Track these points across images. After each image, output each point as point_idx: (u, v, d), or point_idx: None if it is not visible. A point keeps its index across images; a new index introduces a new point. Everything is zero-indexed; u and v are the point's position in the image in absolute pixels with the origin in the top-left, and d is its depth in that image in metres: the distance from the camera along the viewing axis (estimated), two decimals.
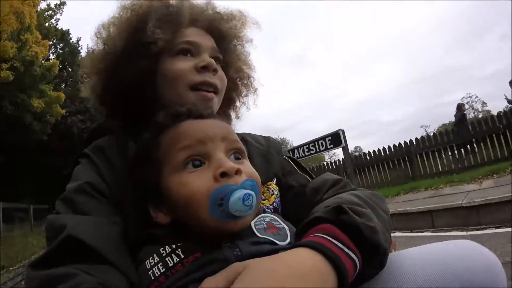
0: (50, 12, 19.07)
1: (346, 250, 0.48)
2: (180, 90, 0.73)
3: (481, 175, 6.16)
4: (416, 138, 8.72)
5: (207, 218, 0.51)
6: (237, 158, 0.60)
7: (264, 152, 0.83)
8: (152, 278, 0.51)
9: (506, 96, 9.09)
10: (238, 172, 0.54)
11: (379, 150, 9.53)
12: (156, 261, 0.51)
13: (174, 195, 0.54)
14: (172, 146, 0.57)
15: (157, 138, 0.60)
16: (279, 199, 0.76)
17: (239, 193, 0.50)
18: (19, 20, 12.21)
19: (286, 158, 0.85)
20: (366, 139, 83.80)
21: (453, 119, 9.52)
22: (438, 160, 8.28)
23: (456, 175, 7.08)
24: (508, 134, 7.17)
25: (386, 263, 0.53)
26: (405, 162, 8.64)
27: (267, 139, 0.91)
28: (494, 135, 7.41)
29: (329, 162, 12.53)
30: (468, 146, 7.92)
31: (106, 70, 0.76)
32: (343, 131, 6.15)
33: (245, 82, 0.92)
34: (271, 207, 0.72)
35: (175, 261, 0.50)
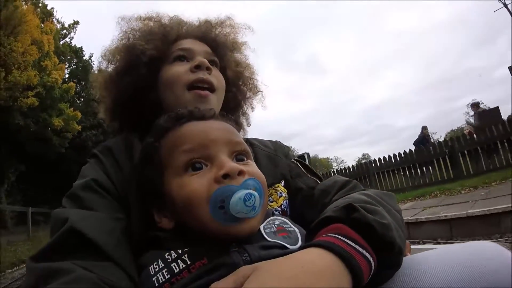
0: (64, 31, 20.80)
1: (360, 249, 0.45)
2: (178, 91, 0.76)
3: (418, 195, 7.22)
4: (374, 159, 9.87)
5: (209, 221, 0.50)
6: (241, 160, 0.58)
7: (271, 154, 0.83)
8: (156, 284, 0.49)
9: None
10: (241, 173, 0.52)
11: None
12: (160, 266, 0.50)
13: (174, 198, 0.54)
14: (173, 149, 0.57)
15: (159, 141, 0.60)
16: (287, 201, 0.76)
17: (240, 193, 0.49)
18: (39, 49, 13.93)
19: (294, 161, 0.85)
20: (378, 145, 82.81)
21: (461, 124, 10.35)
22: (392, 179, 9.26)
23: (403, 193, 8.09)
24: (447, 159, 8.30)
25: (401, 262, 0.50)
26: (365, 179, 9.79)
27: (275, 143, 0.91)
28: (440, 159, 8.52)
29: (337, 169, 12.54)
30: (424, 168, 8.85)
31: (115, 83, 0.82)
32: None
33: (248, 85, 0.94)
34: (279, 209, 0.72)
35: (181, 267, 0.49)
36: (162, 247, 0.54)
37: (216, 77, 0.81)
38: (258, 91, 0.96)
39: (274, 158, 0.83)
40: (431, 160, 8.61)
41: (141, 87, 0.79)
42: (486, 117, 8.31)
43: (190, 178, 0.53)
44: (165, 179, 0.57)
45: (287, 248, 0.53)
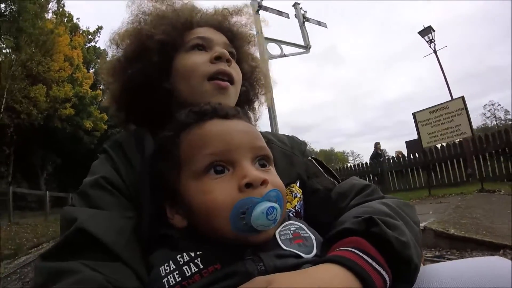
0: (90, 36, 23.04)
1: (376, 266, 0.45)
2: (196, 82, 0.73)
3: None
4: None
5: (227, 230, 0.49)
6: (263, 165, 0.57)
7: (288, 152, 0.80)
8: (167, 286, 0.48)
9: None
10: (264, 182, 0.51)
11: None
12: (172, 268, 0.49)
13: (194, 202, 0.52)
14: (195, 148, 0.55)
15: (179, 136, 0.58)
16: (302, 202, 0.74)
17: (263, 207, 0.48)
18: (70, 64, 16.35)
19: (311, 159, 0.82)
20: (398, 141, 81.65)
21: (479, 123, 11.59)
22: None
23: None
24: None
25: (416, 279, 0.50)
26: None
27: (291, 138, 0.88)
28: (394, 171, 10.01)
29: (353, 164, 13.00)
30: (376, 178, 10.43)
31: (124, 69, 0.77)
32: None
33: (261, 81, 0.92)
34: (293, 210, 0.70)
35: (193, 271, 0.48)
36: (173, 247, 0.53)
37: (235, 69, 0.78)
38: (270, 89, 0.93)
39: (290, 156, 0.79)
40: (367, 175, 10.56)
41: (151, 74, 0.75)
42: (413, 146, 10.17)
43: (211, 182, 0.52)
44: (182, 177, 0.55)
45: (302, 257, 0.51)
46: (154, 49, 0.75)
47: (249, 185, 0.50)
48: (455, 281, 0.50)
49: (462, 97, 6.81)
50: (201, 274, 0.48)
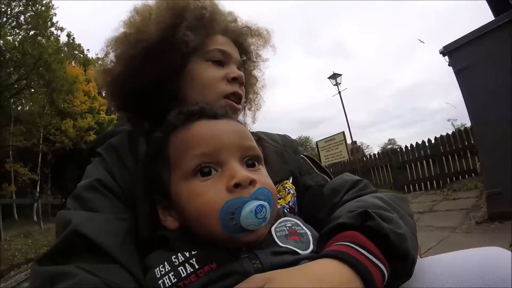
0: (100, 62, 26.71)
1: (374, 259, 0.45)
2: (212, 97, 0.73)
3: None
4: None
5: (218, 231, 0.48)
6: (252, 165, 0.56)
7: (280, 150, 0.81)
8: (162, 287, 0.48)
9: None
10: (252, 182, 0.51)
11: None
12: (167, 269, 0.49)
13: (184, 204, 0.52)
14: (183, 150, 0.55)
15: (169, 138, 0.58)
16: (295, 198, 0.74)
17: (251, 206, 0.48)
18: (88, 96, 20.31)
19: (304, 156, 0.83)
20: (411, 128, 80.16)
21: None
22: None
23: None
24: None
25: (413, 272, 0.50)
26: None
27: (283, 137, 0.89)
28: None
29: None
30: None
31: (136, 57, 0.72)
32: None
33: (254, 99, 0.93)
34: (287, 206, 0.71)
35: (189, 272, 0.48)
36: (168, 247, 0.52)
37: (243, 91, 0.79)
38: (260, 108, 0.94)
39: (283, 153, 0.81)
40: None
41: (164, 72, 0.72)
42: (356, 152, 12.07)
43: (200, 184, 0.51)
44: (173, 179, 0.55)
45: (298, 253, 0.51)
46: (179, 52, 0.72)
47: (237, 185, 0.49)
48: (454, 271, 0.49)
49: (343, 132, 10.00)
50: (197, 274, 0.47)
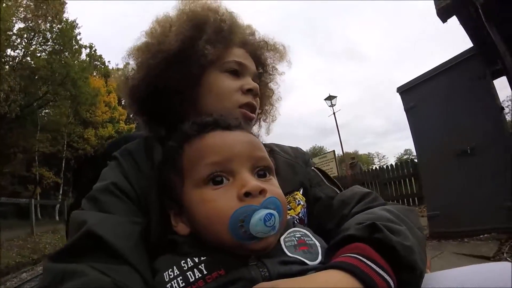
0: (120, 72, 28.42)
1: (381, 272, 0.45)
2: (228, 106, 0.74)
3: None
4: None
5: (227, 238, 0.49)
6: (263, 175, 0.58)
7: (291, 162, 0.82)
8: None
9: None
10: (262, 192, 0.52)
11: None
12: (176, 274, 0.50)
13: (195, 211, 0.53)
14: (196, 159, 0.56)
15: (182, 147, 0.60)
16: (305, 209, 0.75)
17: (260, 214, 0.49)
18: (108, 107, 21.79)
19: (314, 169, 0.85)
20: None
21: None
22: None
23: None
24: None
25: (421, 285, 0.50)
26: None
27: (295, 149, 0.91)
28: None
29: (379, 166, 12.30)
30: None
31: (156, 66, 0.74)
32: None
33: (269, 111, 0.95)
34: (297, 217, 0.71)
35: (197, 277, 0.48)
36: (178, 252, 0.53)
37: (257, 102, 0.81)
38: (275, 120, 0.96)
39: (294, 165, 0.82)
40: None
41: (182, 83, 0.74)
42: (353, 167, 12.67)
43: (211, 192, 0.53)
44: (185, 187, 0.56)
45: (306, 264, 0.52)
46: (192, 58, 0.74)
47: (248, 194, 0.50)
48: (463, 284, 0.49)
49: (333, 151, 10.80)
50: (205, 280, 0.48)
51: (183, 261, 0.51)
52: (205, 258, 0.51)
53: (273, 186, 0.57)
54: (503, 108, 4.10)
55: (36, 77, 15.01)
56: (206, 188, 0.54)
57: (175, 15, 0.79)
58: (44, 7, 12.57)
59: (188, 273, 0.49)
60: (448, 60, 4.36)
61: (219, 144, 0.57)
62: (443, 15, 4.06)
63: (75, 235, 0.50)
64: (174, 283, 0.49)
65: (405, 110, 4.80)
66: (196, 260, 0.51)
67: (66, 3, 15.41)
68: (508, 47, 3.65)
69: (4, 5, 11.69)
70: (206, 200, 0.53)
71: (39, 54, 15.26)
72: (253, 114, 0.79)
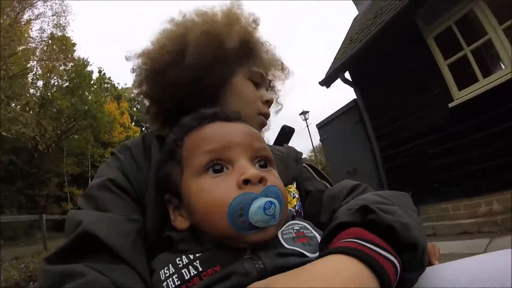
0: (129, 90, 31.06)
1: (383, 252, 0.41)
2: (251, 112, 0.76)
3: None
4: None
5: (226, 228, 0.47)
6: (263, 166, 0.56)
7: (283, 158, 0.83)
8: None
9: None
10: (262, 180, 0.50)
11: None
12: (171, 272, 0.48)
13: (193, 200, 0.52)
14: (195, 148, 0.55)
15: (182, 139, 0.59)
16: (300, 202, 0.74)
17: (260, 202, 0.47)
18: (123, 127, 24.48)
19: (305, 165, 0.85)
20: None
21: None
22: None
23: None
24: None
25: (426, 263, 0.47)
26: None
27: (288, 147, 0.92)
28: None
29: None
30: None
31: (188, 66, 0.71)
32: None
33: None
34: (294, 210, 0.70)
35: (192, 274, 0.47)
36: (174, 250, 0.52)
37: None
38: (268, 130, 0.92)
39: (287, 161, 0.82)
40: None
41: (211, 81, 0.73)
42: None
43: (210, 181, 0.51)
44: (184, 178, 0.55)
45: (306, 256, 0.49)
46: (227, 58, 0.73)
47: (247, 182, 0.49)
48: (475, 277, 0.44)
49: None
50: (200, 277, 0.46)
51: (178, 259, 0.49)
52: (200, 254, 0.49)
53: (273, 176, 0.56)
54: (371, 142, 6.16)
55: (62, 115, 17.69)
56: (205, 176, 0.52)
57: (201, 21, 0.76)
58: (57, 49, 14.49)
59: (183, 271, 0.47)
60: (343, 106, 6.47)
61: (218, 132, 0.56)
62: (326, 83, 6.17)
63: (71, 235, 0.48)
64: (170, 281, 0.47)
65: (320, 140, 6.99)
66: (191, 257, 0.49)
67: (76, 44, 17.72)
68: (365, 105, 5.75)
69: (21, 48, 13.68)
70: (205, 189, 0.51)
71: (57, 91, 17.77)
72: (267, 122, 0.83)
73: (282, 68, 0.90)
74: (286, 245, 0.50)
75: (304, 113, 14.45)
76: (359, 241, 0.42)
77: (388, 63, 5.20)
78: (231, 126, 0.59)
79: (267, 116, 0.81)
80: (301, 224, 0.56)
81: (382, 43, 5.03)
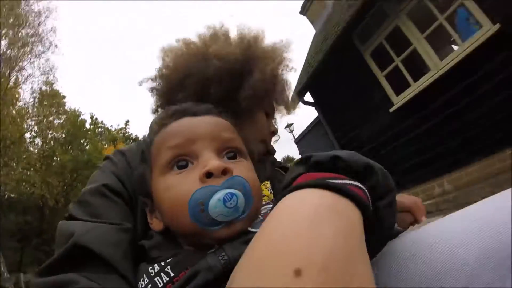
0: (123, 131, 31.75)
1: (346, 181, 0.36)
2: (260, 137, 0.80)
3: None
4: None
5: (189, 225, 0.46)
6: (233, 157, 0.53)
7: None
8: None
9: None
10: (226, 171, 0.47)
11: None
12: (146, 282, 0.46)
13: (161, 199, 0.51)
14: (160, 146, 0.53)
15: (153, 140, 0.57)
16: None
17: (219, 194, 0.44)
18: None
19: (278, 169, 0.87)
20: None
21: None
22: None
23: None
24: None
25: (394, 187, 0.40)
26: None
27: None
28: None
29: None
30: None
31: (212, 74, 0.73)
32: None
33: None
34: (272, 204, 0.63)
35: (165, 281, 0.45)
36: (148, 258, 0.50)
37: None
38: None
39: (264, 163, 0.83)
40: None
41: (232, 83, 0.74)
42: None
43: (174, 178, 0.49)
44: (153, 178, 0.53)
45: None
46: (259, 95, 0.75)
47: (210, 175, 0.46)
48: (478, 221, 0.38)
49: None
50: (173, 282, 0.44)
51: (150, 267, 0.47)
52: (170, 260, 0.46)
53: (243, 167, 0.52)
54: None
55: (67, 170, 18.46)
56: (170, 173, 0.50)
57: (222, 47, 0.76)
58: (49, 105, 14.84)
59: (155, 279, 0.45)
60: (312, 120, 7.34)
61: (181, 127, 0.54)
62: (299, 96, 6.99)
63: (63, 247, 0.46)
64: None
65: (300, 154, 7.81)
66: (163, 263, 0.46)
67: (65, 96, 18.37)
68: (326, 120, 6.60)
69: (17, 107, 14.06)
70: (169, 186, 0.49)
71: (55, 146, 18.56)
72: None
73: (288, 105, 0.91)
74: (251, 229, 0.48)
75: (289, 125, 15.29)
76: (322, 177, 0.37)
77: (339, 81, 6.01)
78: (197, 119, 0.56)
79: (272, 151, 0.86)
80: (269, 207, 0.53)
81: (331, 65, 5.90)
